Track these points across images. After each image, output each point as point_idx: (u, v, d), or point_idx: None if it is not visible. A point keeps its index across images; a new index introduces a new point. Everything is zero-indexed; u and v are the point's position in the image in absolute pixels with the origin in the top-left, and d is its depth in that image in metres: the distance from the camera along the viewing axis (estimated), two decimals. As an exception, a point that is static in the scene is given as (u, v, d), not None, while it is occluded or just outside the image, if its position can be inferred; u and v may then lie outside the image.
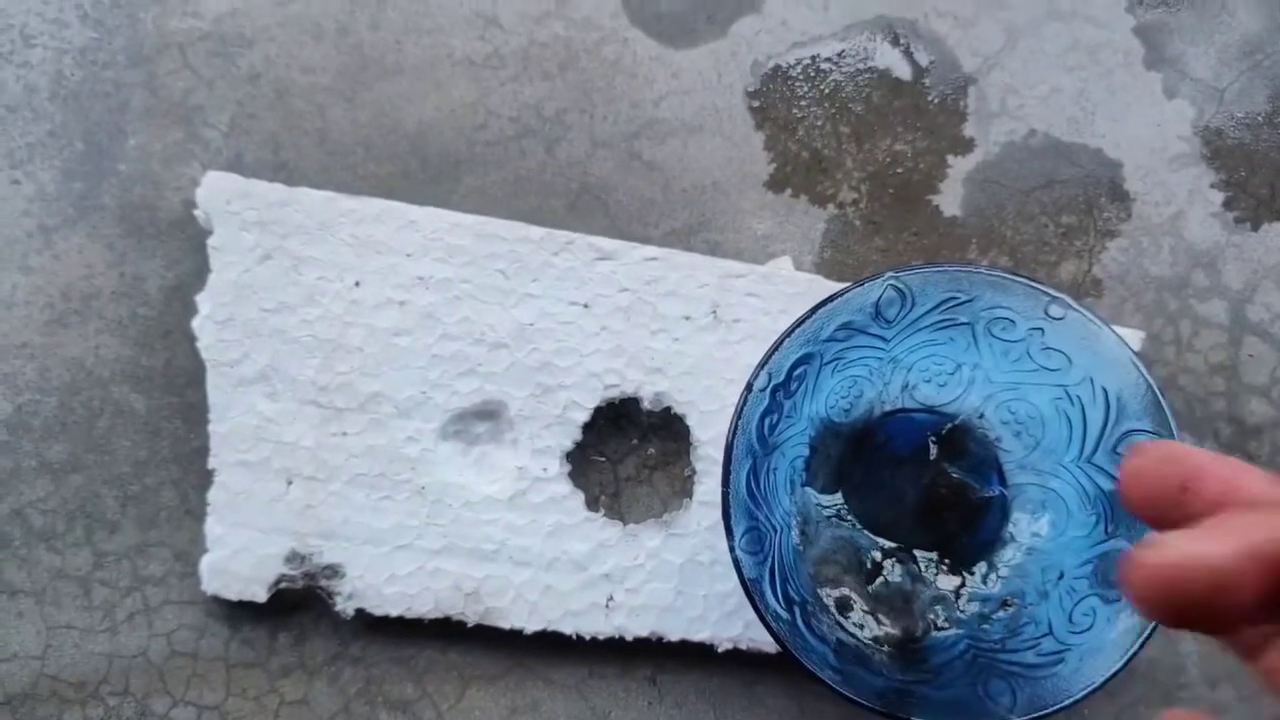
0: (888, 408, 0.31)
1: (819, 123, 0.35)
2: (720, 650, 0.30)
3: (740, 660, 0.30)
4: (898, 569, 0.30)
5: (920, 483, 0.31)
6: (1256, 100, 0.34)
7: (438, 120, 0.35)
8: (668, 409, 0.32)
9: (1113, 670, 0.25)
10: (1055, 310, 0.27)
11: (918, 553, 0.31)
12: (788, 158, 0.34)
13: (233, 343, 0.31)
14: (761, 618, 0.26)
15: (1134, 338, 0.32)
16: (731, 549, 0.26)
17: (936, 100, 0.35)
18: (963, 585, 0.30)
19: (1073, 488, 0.29)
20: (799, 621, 0.27)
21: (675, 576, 0.31)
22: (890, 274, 0.27)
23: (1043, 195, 0.34)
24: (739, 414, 0.26)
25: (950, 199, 0.34)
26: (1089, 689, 0.25)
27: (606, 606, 0.31)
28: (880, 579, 0.30)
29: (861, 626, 0.29)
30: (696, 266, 0.32)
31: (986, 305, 0.27)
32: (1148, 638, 0.25)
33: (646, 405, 0.32)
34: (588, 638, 0.30)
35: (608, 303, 0.32)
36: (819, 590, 0.29)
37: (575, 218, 0.34)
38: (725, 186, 0.34)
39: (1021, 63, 0.35)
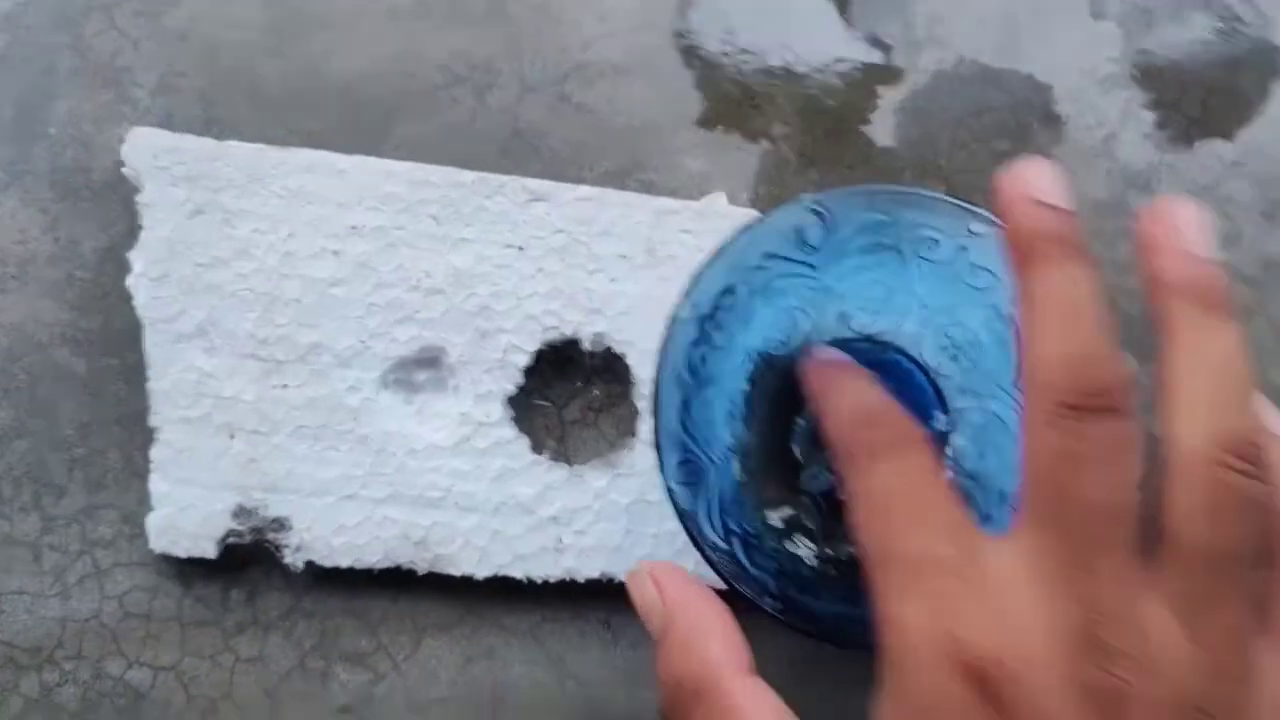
0: (825, 338, 0.31)
1: (748, 58, 0.34)
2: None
3: (690, 594, 0.30)
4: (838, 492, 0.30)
5: None
6: (1185, 18, 0.35)
7: (367, 71, 0.34)
8: (608, 349, 0.32)
9: None
10: (977, 226, 0.27)
11: None
12: (719, 94, 0.34)
13: (168, 299, 0.31)
14: (697, 546, 0.26)
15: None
16: (664, 480, 0.26)
17: (864, 31, 0.35)
18: None
19: (1011, 408, 0.29)
20: (739, 553, 0.27)
21: (623, 516, 0.31)
22: (808, 197, 0.27)
23: (974, 122, 0.34)
24: (665, 345, 0.26)
25: (882, 130, 0.34)
26: None
27: (556, 549, 0.31)
28: (830, 504, 0.30)
29: (811, 549, 0.30)
30: (630, 205, 0.32)
31: (910, 225, 0.28)
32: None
33: (586, 346, 0.32)
34: (539, 581, 0.31)
35: (542, 244, 0.32)
36: (767, 514, 0.30)
37: (508, 164, 0.34)
38: (657, 126, 0.34)
39: (950, -10, 0.35)
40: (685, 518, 0.26)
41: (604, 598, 0.31)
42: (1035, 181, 0.22)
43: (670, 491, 0.26)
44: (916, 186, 0.29)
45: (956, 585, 0.20)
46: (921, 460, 0.22)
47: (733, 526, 0.28)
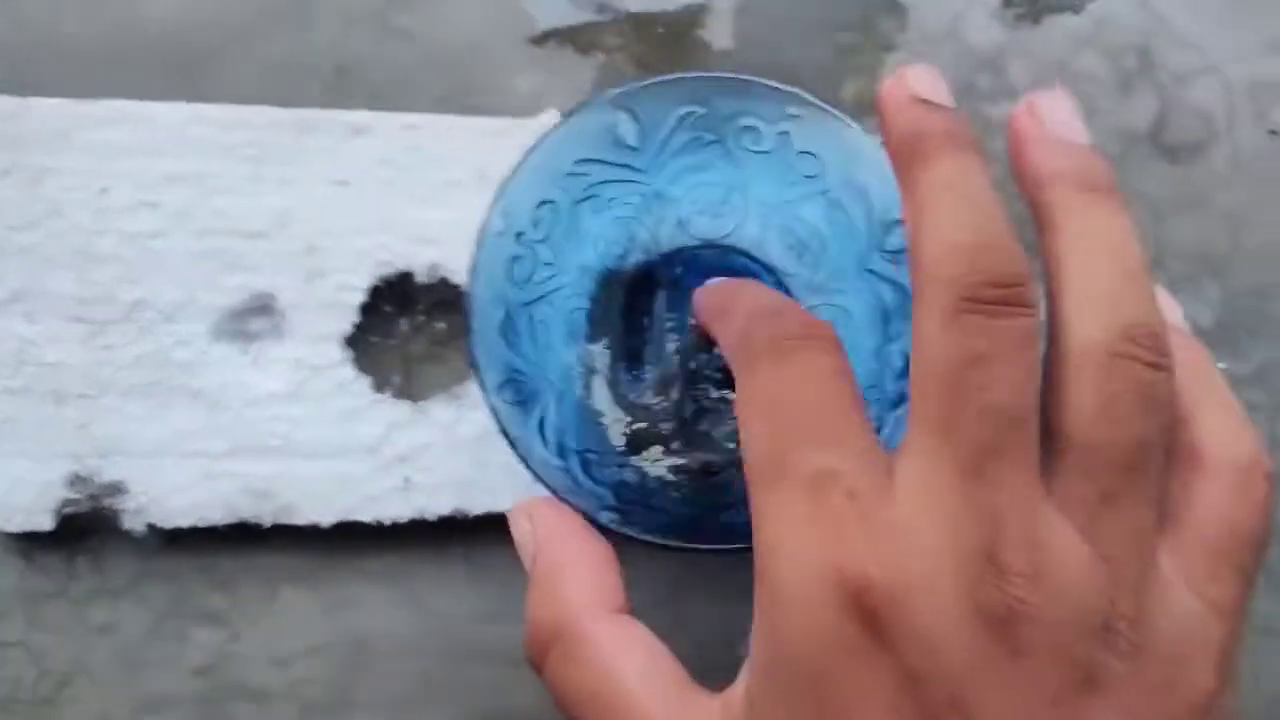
0: (665, 248, 0.30)
1: (578, -32, 0.33)
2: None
3: (550, 524, 0.29)
4: (692, 403, 0.30)
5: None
6: (1025, -112, 0.33)
7: (179, 15, 0.33)
8: (443, 279, 0.31)
9: None
10: (794, 108, 0.26)
11: (715, 390, 0.30)
12: (547, 9, 0.33)
13: (-21, 267, 0.29)
14: (524, 462, 0.25)
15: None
16: (485, 399, 0.25)
17: (697, -70, 0.33)
18: None
19: (857, 298, 0.28)
20: (575, 468, 0.26)
21: (472, 449, 0.30)
22: (613, 92, 0.26)
23: (816, 16, 0.33)
24: (476, 260, 0.25)
25: (720, 32, 0.33)
26: None
27: (404, 489, 0.30)
28: (678, 413, 0.30)
29: (658, 461, 0.29)
30: (457, 129, 0.31)
31: (728, 115, 0.26)
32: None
33: (422, 278, 0.31)
34: (389, 523, 0.30)
35: (368, 177, 0.30)
36: (615, 427, 0.29)
37: (334, 99, 0.32)
38: (486, 47, 0.33)
39: (781, -121, 0.33)
40: (508, 435, 0.25)
41: (462, 533, 0.30)
42: (914, 82, 0.20)
43: (493, 409, 0.25)
44: (723, 71, 0.27)
45: (846, 507, 0.17)
46: (829, 361, 0.19)
47: (571, 444, 0.27)
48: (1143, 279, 0.19)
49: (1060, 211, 0.20)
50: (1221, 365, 0.31)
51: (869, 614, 0.16)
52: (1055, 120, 0.20)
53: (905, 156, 0.20)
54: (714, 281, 0.27)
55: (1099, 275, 0.19)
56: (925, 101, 0.20)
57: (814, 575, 0.17)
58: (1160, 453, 0.18)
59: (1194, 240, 0.32)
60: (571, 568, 0.22)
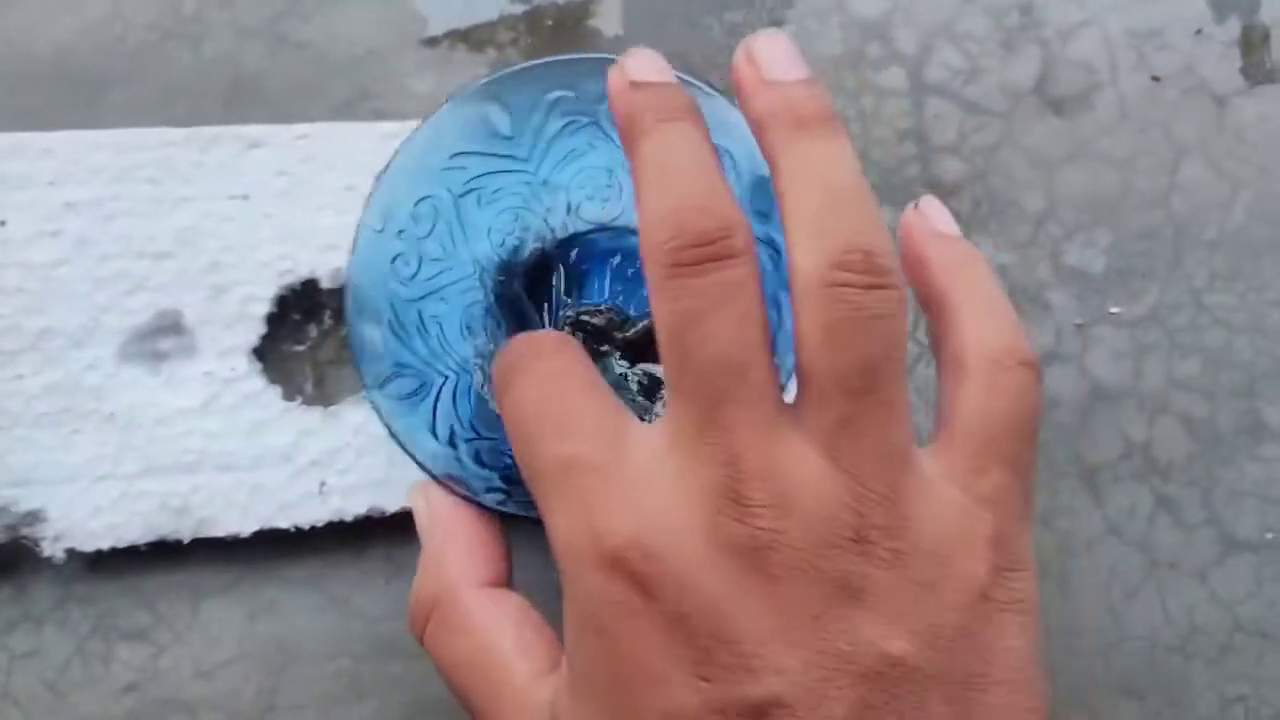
0: (560, 235, 0.30)
1: (464, -32, 0.33)
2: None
3: (472, 518, 0.30)
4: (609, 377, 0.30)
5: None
6: None
7: (74, 39, 0.33)
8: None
9: None
10: None
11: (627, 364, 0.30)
12: (439, 10, 0.33)
13: (-119, 307, 0.30)
14: (406, 452, 0.25)
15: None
16: (366, 394, 0.25)
17: (578, -79, 0.34)
18: (664, 386, 0.30)
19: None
20: (465, 456, 0.26)
21: (384, 449, 0.30)
22: (478, 83, 0.26)
23: (702, -3, 0.33)
24: (352, 259, 0.26)
25: (610, 20, 0.33)
26: None
27: (320, 493, 0.30)
28: None
29: None
30: (352, 135, 0.31)
31: (596, 97, 0.27)
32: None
33: (326, 284, 0.31)
34: (307, 528, 0.30)
35: (267, 189, 0.31)
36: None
37: (233, 113, 0.33)
38: (381, 52, 0.33)
39: None
40: (390, 428, 0.25)
41: (381, 533, 0.30)
42: (631, 68, 0.21)
43: (373, 404, 0.25)
44: (576, 51, 0.28)
45: (598, 479, 0.19)
46: (565, 361, 0.21)
47: (463, 433, 0.27)
48: (854, 202, 0.19)
49: (776, 151, 0.20)
50: (1115, 309, 0.31)
51: (629, 571, 0.18)
52: (770, 60, 0.21)
53: (625, 141, 0.21)
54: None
55: (809, 206, 0.19)
56: (637, 84, 0.21)
57: (581, 548, 0.18)
58: (896, 365, 0.19)
59: (1084, 189, 0.33)
60: (454, 542, 0.23)
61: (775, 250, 0.26)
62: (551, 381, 0.21)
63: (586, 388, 0.21)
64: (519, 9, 0.33)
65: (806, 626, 0.17)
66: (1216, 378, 0.32)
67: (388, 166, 0.26)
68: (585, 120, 0.27)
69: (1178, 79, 0.33)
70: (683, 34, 0.33)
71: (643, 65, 0.21)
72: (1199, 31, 0.33)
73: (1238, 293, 0.33)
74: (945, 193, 0.33)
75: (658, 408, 0.30)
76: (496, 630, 0.21)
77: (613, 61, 0.26)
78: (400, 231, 0.27)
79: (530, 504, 0.25)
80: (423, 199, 0.27)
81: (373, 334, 0.26)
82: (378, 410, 0.25)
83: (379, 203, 0.26)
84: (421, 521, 0.24)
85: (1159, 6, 0.33)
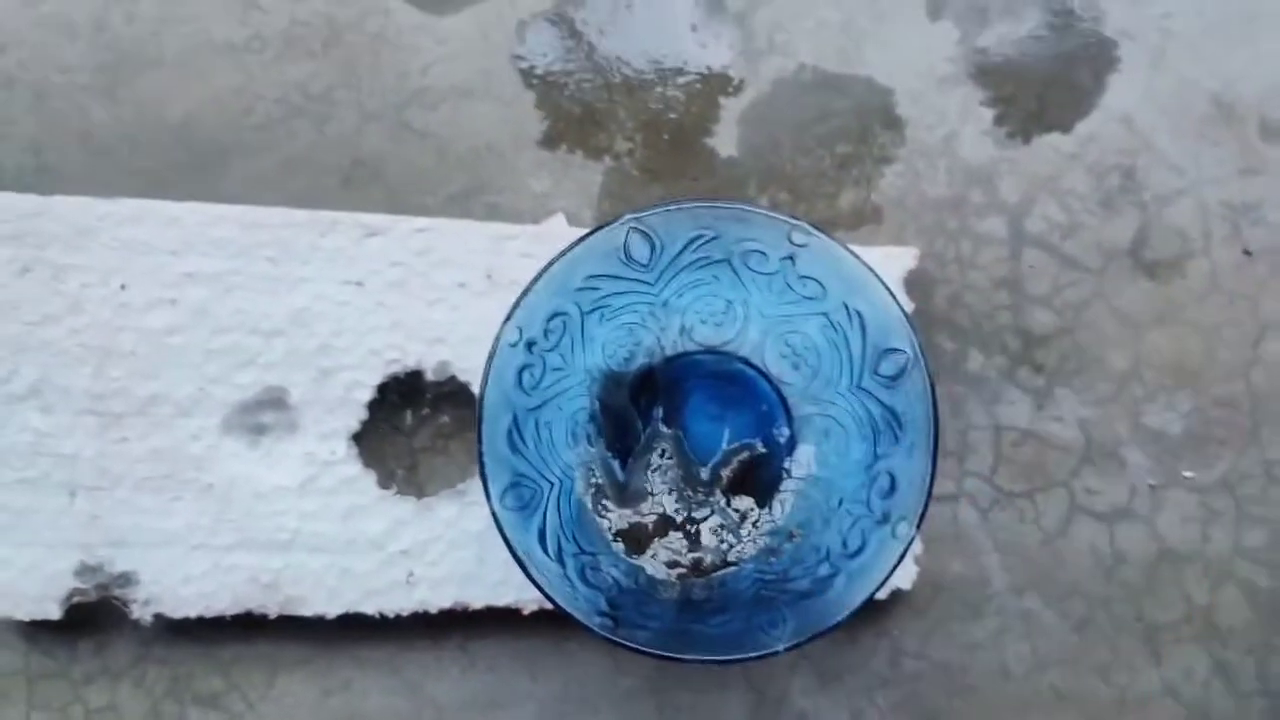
0: (669, 353, 0.31)
1: (588, 76, 0.34)
2: (527, 612, 0.31)
3: (549, 619, 0.30)
4: (684, 502, 0.31)
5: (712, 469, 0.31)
6: (1019, 14, 0.35)
7: (202, 109, 0.34)
8: (452, 377, 0.32)
9: (872, 589, 0.26)
10: (798, 237, 0.27)
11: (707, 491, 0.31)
12: (560, 114, 0.34)
13: (-2, 359, 0.30)
14: (523, 569, 0.26)
15: (907, 255, 0.32)
16: (490, 506, 0.26)
17: (704, 43, 0.34)
18: (753, 519, 0.31)
19: (849, 413, 0.29)
20: (570, 572, 0.27)
21: (475, 544, 0.31)
22: (629, 216, 0.27)
23: (817, 128, 0.34)
24: (488, 371, 0.26)
25: (725, 140, 0.34)
26: (850, 610, 0.26)
27: (407, 582, 0.31)
28: (672, 511, 0.31)
29: (654, 557, 0.30)
30: (467, 232, 0.32)
31: (735, 239, 0.28)
32: (903, 555, 0.26)
33: (430, 376, 0.32)
34: (391, 616, 0.31)
35: (380, 278, 0.31)
36: (607, 525, 0.30)
37: (350, 194, 0.34)
38: (500, 148, 0.34)
39: (785, -3, 0.34)
40: (510, 544, 0.26)
41: (460, 624, 0.31)
42: None
43: (496, 518, 0.26)
44: (734, 200, 0.28)
45: None
46: None
47: (569, 548, 0.28)
48: None
49: None
50: (1189, 473, 0.32)
51: None
52: None
53: None
54: None
55: None
56: None
57: None
58: None
59: (1169, 353, 0.34)
60: None
61: (892, 413, 0.27)
62: None
63: None
64: (637, 119, 0.34)
65: None
66: None
67: (530, 287, 0.26)
68: (718, 257, 0.28)
69: (1269, 255, 0.34)
70: (794, 160, 0.34)
71: None
72: (1290, 207, 0.34)
73: (1306, 466, 0.34)
74: (1034, 344, 0.34)
75: (744, 535, 0.31)
76: None
77: (753, 212, 0.27)
78: (530, 343, 0.27)
79: (638, 631, 0.26)
80: (555, 315, 0.28)
81: (498, 444, 0.27)
82: (500, 525, 0.26)
83: (518, 319, 0.27)
84: None
85: (1256, 182, 0.34)
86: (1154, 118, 0.34)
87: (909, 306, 0.32)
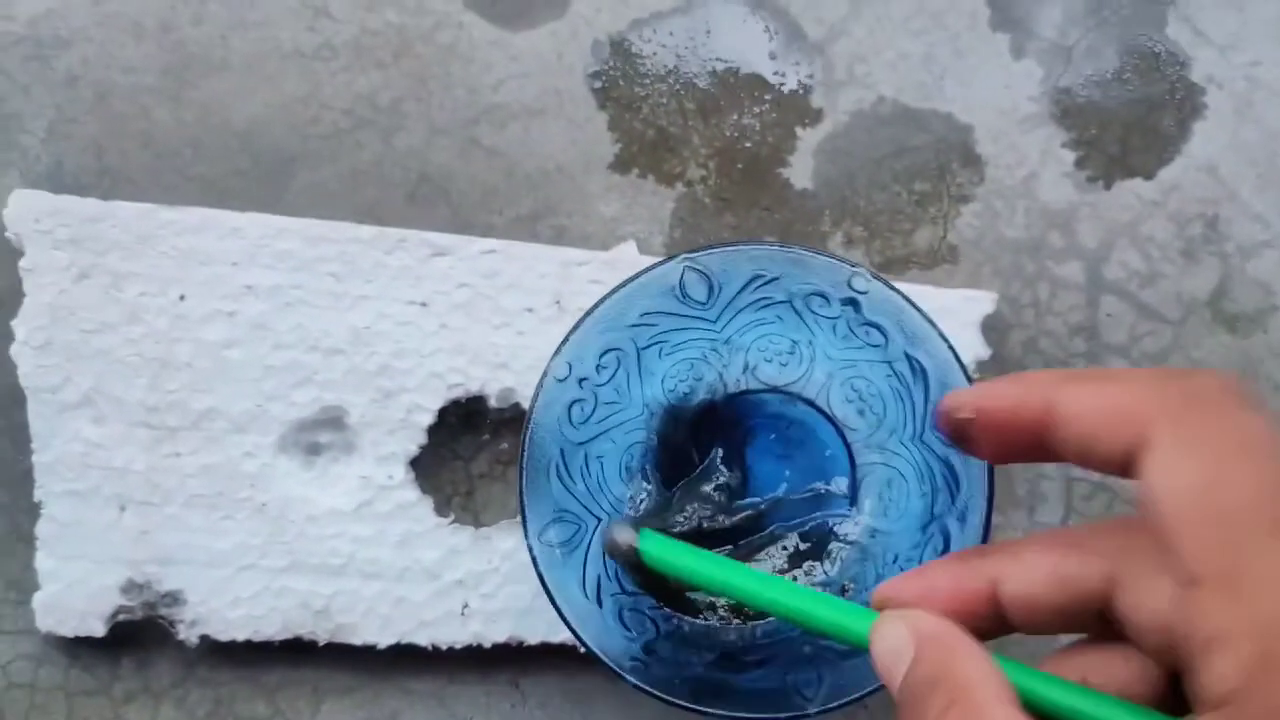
0: (731, 390, 0.30)
1: (663, 100, 0.34)
2: (582, 651, 0.30)
3: (604, 658, 0.29)
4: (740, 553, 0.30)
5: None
6: (1104, 57, 0.34)
7: (268, 116, 0.33)
8: (515, 404, 0.31)
9: None
10: (859, 283, 0.26)
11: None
12: (633, 137, 0.33)
13: (52, 367, 0.29)
14: (556, 607, 0.25)
15: (986, 299, 0.31)
16: (526, 540, 0.25)
17: (783, 71, 0.34)
18: (808, 567, 0.30)
19: (911, 465, 0.29)
20: (606, 613, 0.26)
21: (531, 578, 0.30)
22: (684, 256, 0.26)
23: (894, 163, 0.34)
24: (535, 405, 0.26)
25: (801, 171, 0.33)
26: None
27: (462, 614, 0.30)
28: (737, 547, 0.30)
29: (702, 607, 0.29)
30: (537, 257, 0.31)
31: (797, 282, 0.27)
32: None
33: (493, 403, 0.31)
34: (444, 648, 0.30)
35: (446, 300, 0.31)
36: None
37: (415, 209, 0.33)
38: (570, 170, 0.33)
39: (867, 30, 0.34)
40: (542, 578, 0.25)
41: (513, 658, 0.30)
42: None
43: (532, 553, 0.25)
44: (793, 244, 0.28)
45: None
46: None
47: (608, 584, 0.27)
48: None
49: None
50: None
51: None
52: None
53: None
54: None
55: None
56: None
57: None
58: None
59: (1251, 412, 0.33)
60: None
61: (950, 470, 0.26)
62: None
63: None
64: (711, 146, 0.33)
65: None
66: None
67: (579, 323, 0.26)
68: (780, 298, 0.28)
69: (1352, 313, 0.33)
70: (870, 195, 0.34)
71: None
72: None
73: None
74: (1108, 392, 0.33)
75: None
76: None
77: (814, 255, 0.26)
78: (582, 380, 0.27)
79: (669, 680, 0.25)
80: (609, 351, 0.27)
81: (540, 479, 0.26)
82: (534, 560, 0.25)
83: (567, 355, 0.26)
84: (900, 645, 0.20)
85: (1342, 238, 0.33)
86: (1239, 167, 0.34)
87: (985, 352, 0.31)
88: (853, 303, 0.27)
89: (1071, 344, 0.33)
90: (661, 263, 0.26)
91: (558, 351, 0.26)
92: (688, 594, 0.29)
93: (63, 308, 0.29)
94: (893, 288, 0.26)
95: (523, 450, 0.26)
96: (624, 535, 0.26)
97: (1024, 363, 0.33)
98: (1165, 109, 0.34)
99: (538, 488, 0.26)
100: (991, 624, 0.21)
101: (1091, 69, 0.34)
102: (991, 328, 0.32)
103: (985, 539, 0.25)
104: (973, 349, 0.31)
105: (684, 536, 0.30)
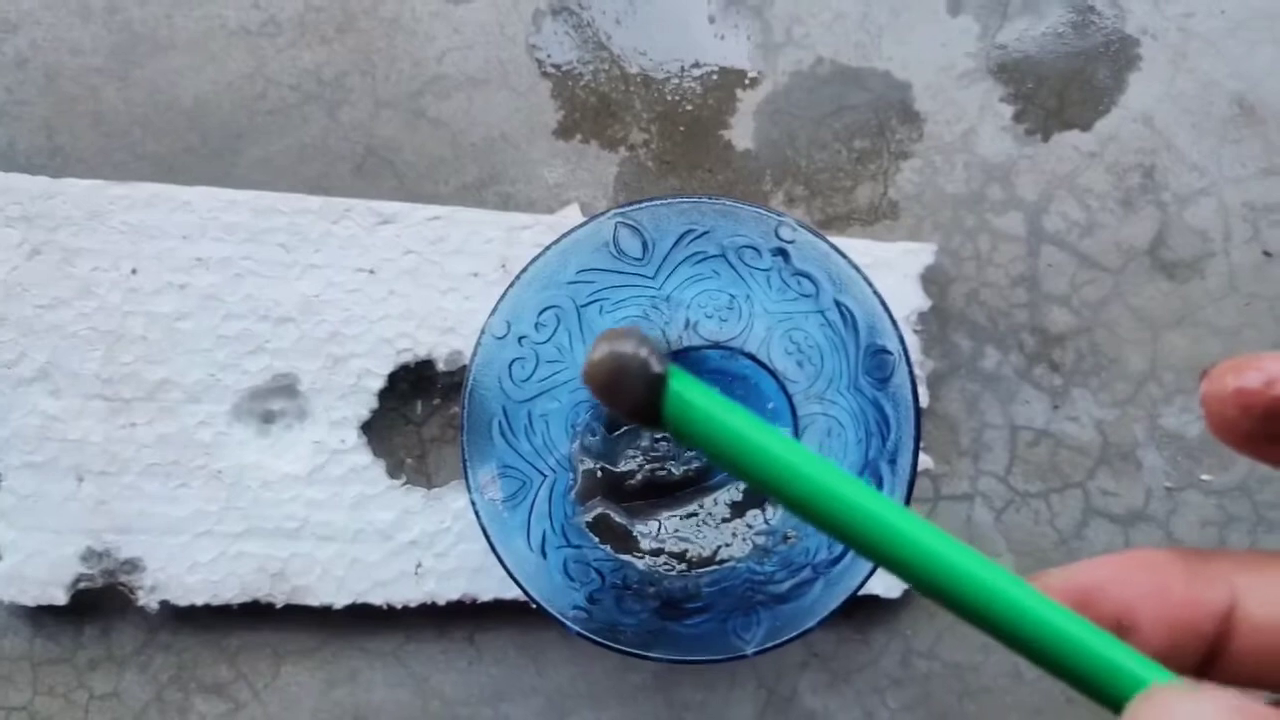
0: (673, 347, 0.31)
1: (605, 66, 0.34)
2: (532, 605, 0.30)
3: (558, 612, 0.30)
4: (684, 501, 0.30)
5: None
6: (1039, 11, 0.34)
7: (215, 93, 0.34)
8: (464, 367, 0.31)
9: (845, 598, 0.25)
10: (785, 233, 0.27)
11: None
12: (575, 104, 0.34)
13: (7, 343, 0.30)
14: (499, 559, 0.26)
15: (925, 250, 0.32)
16: (469, 494, 0.26)
17: (721, 34, 0.34)
18: (751, 516, 0.30)
19: (848, 413, 0.29)
20: (551, 566, 0.27)
21: (482, 537, 0.31)
22: (615, 211, 0.27)
23: (834, 122, 0.34)
24: (473, 360, 0.26)
25: (742, 133, 0.34)
26: (820, 618, 0.25)
27: (416, 573, 0.30)
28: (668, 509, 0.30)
29: (644, 554, 0.30)
30: (482, 222, 0.32)
31: (726, 234, 0.27)
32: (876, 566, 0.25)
33: (442, 366, 0.31)
34: (399, 607, 0.30)
35: (393, 267, 0.31)
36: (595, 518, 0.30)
37: (363, 181, 0.33)
38: (514, 138, 0.34)
39: (804, -11, 0.34)
40: (487, 532, 0.26)
41: (468, 616, 0.31)
42: None
43: (474, 507, 0.26)
44: (721, 196, 0.28)
45: None
46: None
47: (553, 537, 0.28)
48: None
49: None
50: (1206, 476, 0.32)
51: None
52: None
53: None
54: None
55: None
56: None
57: None
58: None
59: (1187, 354, 0.33)
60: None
61: (881, 414, 0.27)
62: None
63: None
64: (653, 111, 0.34)
65: None
66: (1295, 553, 0.33)
67: (515, 281, 0.26)
68: (713, 252, 0.28)
69: (1289, 257, 0.34)
70: (810, 154, 0.34)
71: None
72: (1312, 210, 0.34)
73: (1325, 472, 0.33)
74: (1051, 342, 0.33)
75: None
76: None
77: (738, 207, 0.27)
78: (521, 338, 0.27)
79: (608, 630, 0.26)
80: (547, 309, 0.28)
81: (483, 437, 0.26)
82: (478, 514, 0.26)
83: (503, 314, 0.26)
84: None
85: (1277, 183, 0.34)
86: (1175, 117, 0.34)
87: (926, 303, 0.32)
88: (783, 253, 0.27)
89: (1013, 294, 0.34)
90: (593, 219, 0.27)
91: (495, 309, 0.27)
92: (634, 530, 0.30)
93: (15, 284, 0.30)
94: (818, 234, 0.26)
95: (463, 407, 0.26)
96: (647, 353, 0.17)
97: (966, 314, 0.33)
98: (1101, 61, 0.34)
99: (480, 444, 0.27)
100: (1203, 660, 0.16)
101: (1027, 23, 0.34)
102: (933, 280, 0.32)
103: (911, 480, 0.25)
104: (913, 301, 0.32)
105: (634, 491, 0.30)
